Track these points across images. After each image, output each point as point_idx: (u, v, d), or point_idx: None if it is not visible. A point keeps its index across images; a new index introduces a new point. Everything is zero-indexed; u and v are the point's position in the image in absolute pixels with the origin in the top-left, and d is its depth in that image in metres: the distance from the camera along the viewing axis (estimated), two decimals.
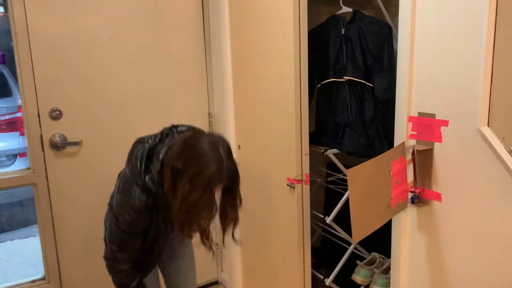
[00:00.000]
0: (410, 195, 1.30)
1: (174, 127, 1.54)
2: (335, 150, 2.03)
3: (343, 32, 2.04)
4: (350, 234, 2.17)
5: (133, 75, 2.23)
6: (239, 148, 2.38)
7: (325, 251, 2.53)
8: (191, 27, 2.36)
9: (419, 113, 1.28)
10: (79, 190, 2.17)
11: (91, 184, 2.19)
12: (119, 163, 2.35)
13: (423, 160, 1.27)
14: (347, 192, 2.09)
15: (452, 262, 1.25)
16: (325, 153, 2.01)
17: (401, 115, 1.33)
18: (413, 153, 1.28)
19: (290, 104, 1.87)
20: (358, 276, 2.03)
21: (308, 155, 1.93)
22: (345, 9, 2.04)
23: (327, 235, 2.42)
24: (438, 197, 1.25)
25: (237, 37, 2.23)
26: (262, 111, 2.10)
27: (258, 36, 2.05)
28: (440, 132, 1.22)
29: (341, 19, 2.06)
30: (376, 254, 2.08)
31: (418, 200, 1.29)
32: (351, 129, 2.00)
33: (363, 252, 2.21)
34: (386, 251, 2.15)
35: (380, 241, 2.22)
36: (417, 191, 1.28)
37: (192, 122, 2.51)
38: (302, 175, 1.93)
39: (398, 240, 1.41)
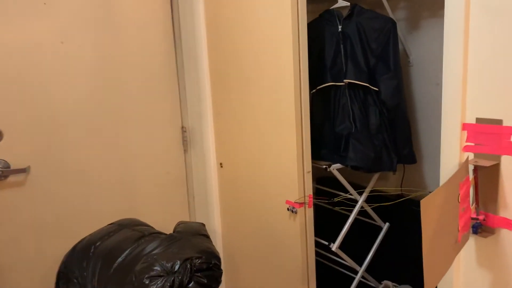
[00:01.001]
0: (472, 223, 1.03)
1: (191, 264, 1.25)
2: (338, 165, 1.74)
3: (340, 29, 1.78)
4: (354, 259, 1.89)
5: (90, 84, 1.85)
6: (221, 167, 2.05)
7: (323, 279, 2.23)
8: (157, 26, 2.01)
9: (478, 119, 1.01)
10: (28, 231, 1.75)
11: (44, 221, 1.77)
12: (78, 193, 1.95)
13: (486, 179, 1.01)
14: (353, 214, 1.81)
15: None
16: (328, 169, 1.72)
17: (451, 122, 1.06)
18: (475, 171, 1.01)
19: (289, 112, 1.57)
20: None
21: (310, 173, 1.63)
22: (341, 3, 1.78)
23: (321, 260, 2.13)
24: (508, 224, 0.99)
25: (215, 34, 1.91)
26: (250, 121, 1.79)
27: (242, 31, 1.74)
28: (511, 142, 0.96)
29: (337, 14, 1.79)
30: (389, 283, 1.81)
31: (481, 229, 1.02)
32: (356, 140, 1.73)
33: (370, 280, 1.94)
34: (397, 277, 1.90)
35: (389, 266, 1.96)
36: (480, 217, 1.01)
37: (163, 138, 2.17)
38: (305, 197, 1.63)
39: (448, 278, 1.13)
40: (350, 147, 1.73)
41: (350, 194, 1.79)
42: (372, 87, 1.74)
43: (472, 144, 1.03)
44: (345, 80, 1.75)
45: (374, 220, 1.91)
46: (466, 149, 1.04)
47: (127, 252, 1.34)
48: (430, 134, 1.87)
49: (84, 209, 1.86)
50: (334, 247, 1.76)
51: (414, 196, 1.85)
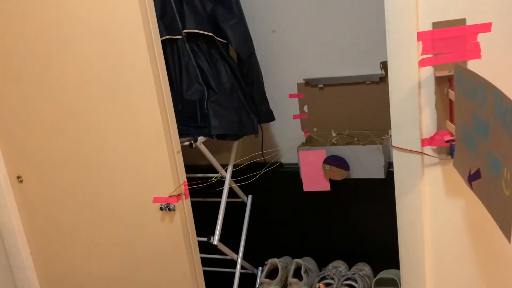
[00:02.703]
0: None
1: None
2: (203, 138, 1.37)
3: None
4: (232, 249, 1.58)
5: None
6: (21, 182, 1.37)
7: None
8: None
9: (435, 24, 0.85)
10: None
11: None
12: None
13: (446, 92, 0.87)
14: (224, 195, 1.48)
15: None
16: (194, 146, 1.33)
17: (401, 36, 0.87)
18: (450, 84, 0.85)
19: (143, 72, 1.10)
20: None
21: (181, 153, 1.22)
22: None
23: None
24: None
25: None
26: (70, 103, 1.21)
27: None
28: (478, 44, 0.84)
29: None
30: (275, 260, 1.58)
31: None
32: (215, 104, 1.39)
33: (248, 267, 1.66)
34: (280, 251, 1.68)
35: (270, 241, 1.73)
36: (453, 138, 0.87)
37: None
38: (180, 187, 1.21)
39: (413, 224, 0.97)
40: (210, 113, 1.38)
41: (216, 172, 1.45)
42: (218, 38, 1.42)
43: (430, 55, 0.87)
44: (184, 31, 1.38)
45: (238, 197, 1.63)
46: (423, 63, 0.87)
47: None
48: (273, 86, 1.69)
49: None
50: (215, 240, 1.40)
51: (276, 158, 1.66)
